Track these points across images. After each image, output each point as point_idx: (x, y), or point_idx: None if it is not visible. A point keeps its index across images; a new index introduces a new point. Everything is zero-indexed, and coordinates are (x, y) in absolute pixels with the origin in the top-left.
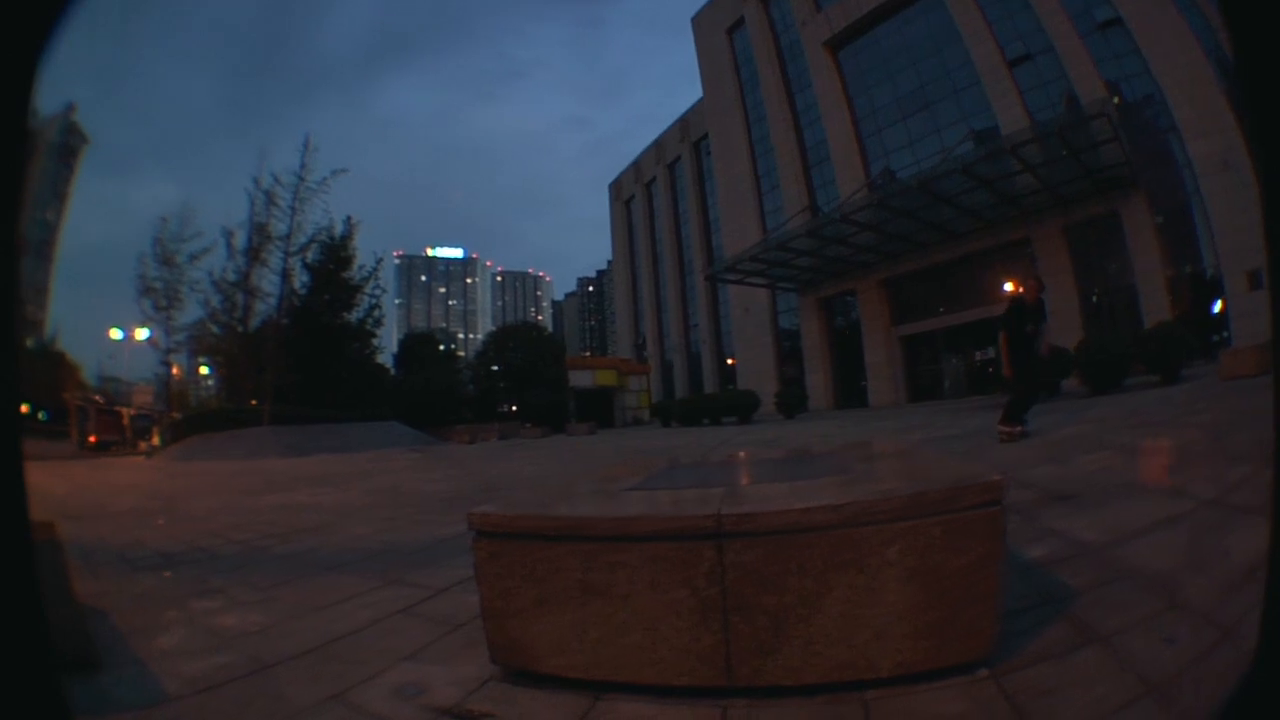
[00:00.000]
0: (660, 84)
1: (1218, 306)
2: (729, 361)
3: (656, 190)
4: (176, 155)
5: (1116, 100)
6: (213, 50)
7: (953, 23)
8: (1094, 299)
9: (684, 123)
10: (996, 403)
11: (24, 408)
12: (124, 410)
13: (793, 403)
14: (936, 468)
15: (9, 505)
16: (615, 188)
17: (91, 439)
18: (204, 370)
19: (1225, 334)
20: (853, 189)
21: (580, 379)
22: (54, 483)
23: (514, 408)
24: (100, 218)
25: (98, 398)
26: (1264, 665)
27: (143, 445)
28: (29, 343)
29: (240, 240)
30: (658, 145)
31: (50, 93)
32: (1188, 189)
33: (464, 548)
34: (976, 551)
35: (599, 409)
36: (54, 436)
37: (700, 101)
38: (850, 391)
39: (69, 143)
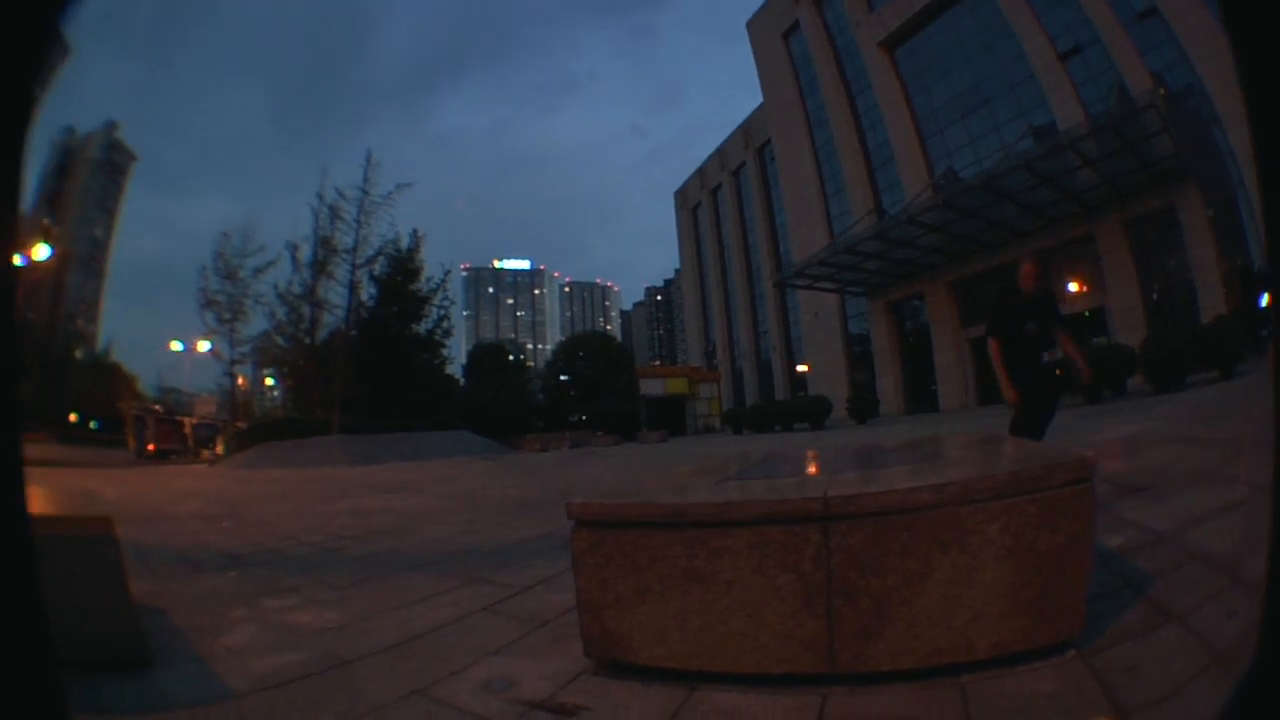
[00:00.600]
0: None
1: (1264, 300)
2: (799, 368)
3: (722, 197)
4: (232, 173)
5: (1162, 91)
6: (264, 72)
7: (1002, 17)
8: (1154, 296)
9: (746, 129)
10: (1067, 404)
11: (73, 416)
12: (186, 420)
13: (864, 408)
14: (1024, 450)
15: (9, 505)
16: (680, 196)
17: (150, 447)
18: (269, 381)
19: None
20: (917, 190)
21: (651, 387)
22: (110, 488)
23: (584, 417)
24: (156, 233)
25: (157, 407)
26: (1264, 665)
27: (205, 454)
28: (78, 354)
29: (305, 254)
30: (721, 152)
31: (91, 111)
32: (1234, 180)
33: (543, 550)
34: (1069, 530)
35: (670, 417)
36: (107, 445)
37: (761, 107)
38: (921, 395)
39: (115, 160)
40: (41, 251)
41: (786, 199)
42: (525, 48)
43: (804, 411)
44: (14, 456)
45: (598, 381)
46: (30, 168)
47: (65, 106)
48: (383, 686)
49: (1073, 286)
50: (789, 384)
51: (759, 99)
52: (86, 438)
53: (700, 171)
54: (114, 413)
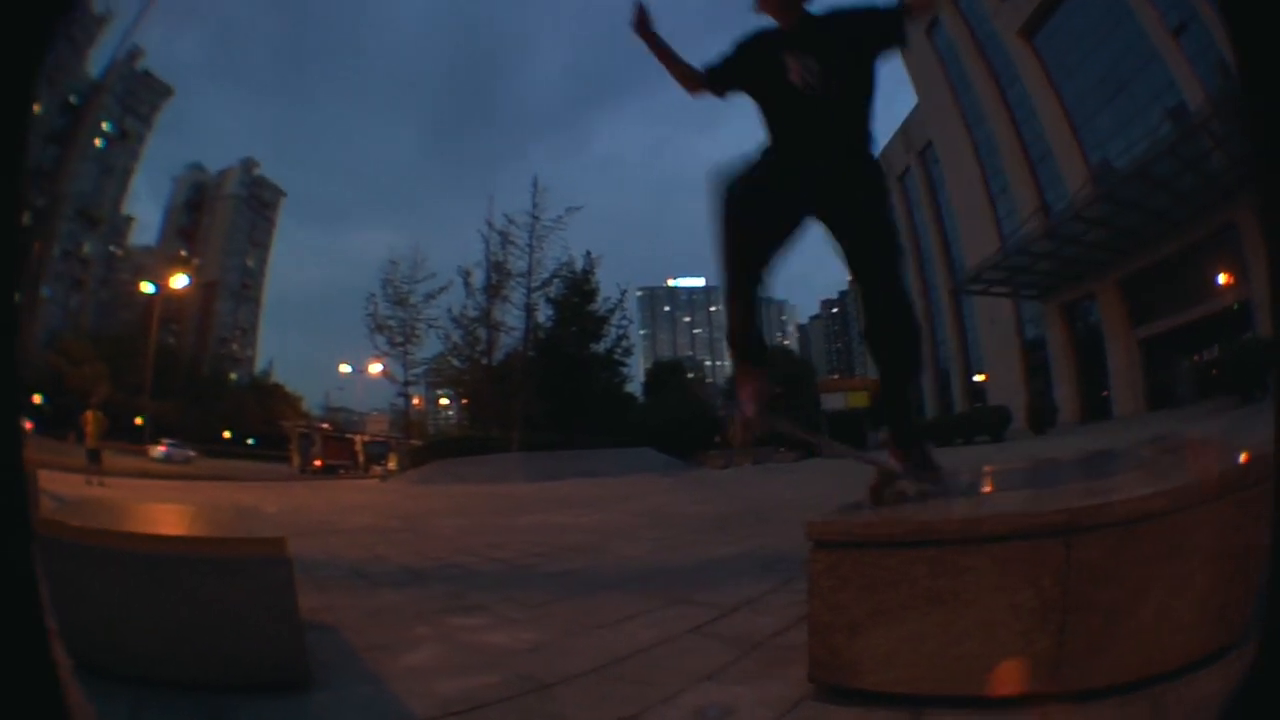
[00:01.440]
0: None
1: None
2: (976, 377)
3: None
4: (391, 204)
5: None
6: (413, 106)
7: None
8: None
9: (905, 131)
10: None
11: (226, 434)
12: (356, 437)
13: (1043, 417)
14: (1213, 449)
15: (9, 506)
16: None
17: (317, 463)
18: (443, 401)
19: None
20: (1077, 184)
21: (832, 401)
22: (274, 501)
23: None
24: (317, 262)
25: (325, 425)
26: (1264, 665)
27: (376, 469)
28: (233, 376)
29: (478, 278)
30: (884, 158)
31: (225, 149)
32: None
33: (744, 569)
34: (1253, 530)
35: (851, 431)
36: (265, 460)
37: (917, 107)
38: (1094, 402)
39: (261, 195)
40: (179, 281)
41: (954, 202)
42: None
43: (984, 422)
44: (14, 458)
45: (777, 397)
46: (152, 201)
47: (187, 145)
48: (587, 713)
49: (1221, 279)
50: (967, 395)
51: (913, 99)
52: (243, 453)
53: None
54: (274, 430)
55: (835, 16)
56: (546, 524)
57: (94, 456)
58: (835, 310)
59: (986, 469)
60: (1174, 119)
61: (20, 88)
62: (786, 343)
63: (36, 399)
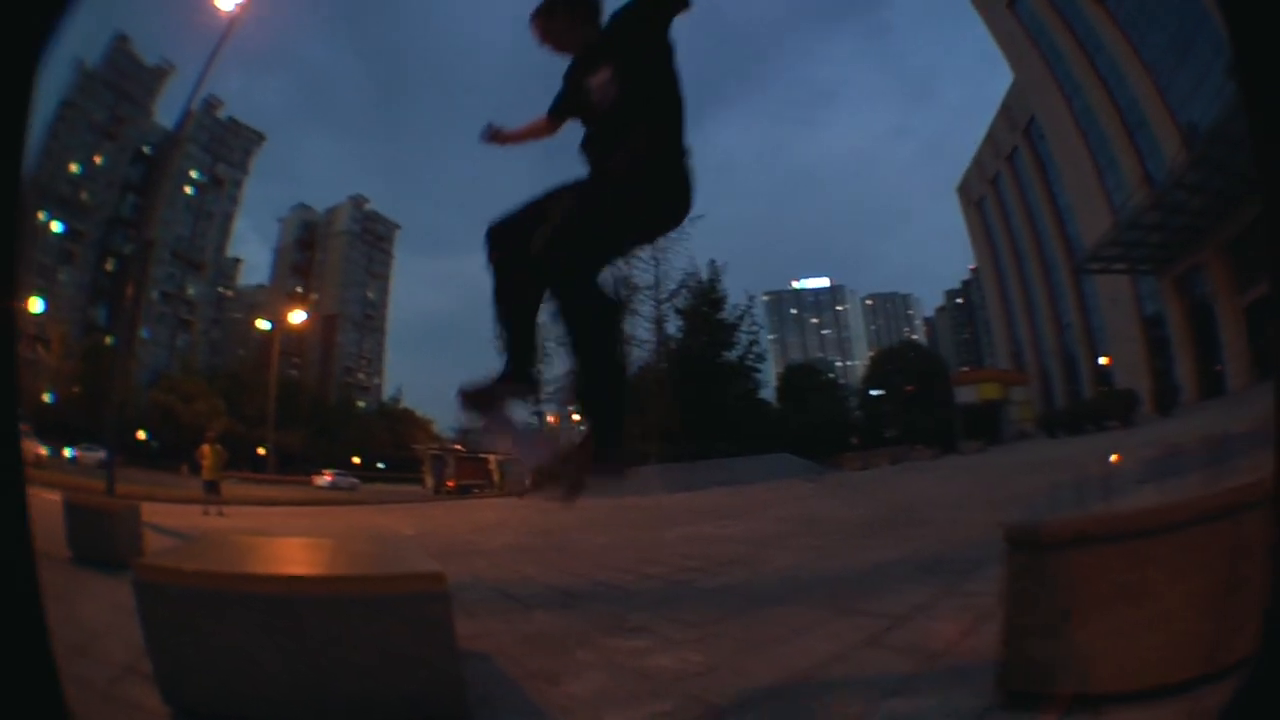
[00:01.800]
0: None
1: None
2: (1101, 360)
3: (1003, 186)
4: None
5: None
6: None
7: None
8: None
9: (1007, 109)
10: None
11: (356, 459)
12: (490, 456)
13: (1167, 399)
14: None
15: (10, 512)
16: (961, 191)
17: (449, 484)
18: (576, 417)
19: None
20: (1173, 150)
21: (964, 395)
22: (410, 523)
23: (899, 431)
24: (441, 289)
25: (458, 446)
26: (1264, 665)
27: (514, 486)
28: (360, 404)
29: None
30: (990, 138)
31: (331, 188)
32: None
33: (906, 575)
34: None
35: (985, 424)
36: (397, 483)
37: (1014, 83)
38: (1208, 378)
39: (374, 230)
40: (296, 316)
41: (1064, 178)
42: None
43: (1111, 407)
44: (14, 459)
45: (911, 393)
46: (260, 243)
47: (290, 187)
48: None
49: None
50: (1094, 379)
51: (1009, 76)
52: (374, 476)
53: (976, 162)
54: (406, 454)
55: (614, 19)
56: (695, 536)
57: (211, 488)
58: (959, 300)
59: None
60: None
61: (20, 88)
62: (915, 337)
63: (140, 435)
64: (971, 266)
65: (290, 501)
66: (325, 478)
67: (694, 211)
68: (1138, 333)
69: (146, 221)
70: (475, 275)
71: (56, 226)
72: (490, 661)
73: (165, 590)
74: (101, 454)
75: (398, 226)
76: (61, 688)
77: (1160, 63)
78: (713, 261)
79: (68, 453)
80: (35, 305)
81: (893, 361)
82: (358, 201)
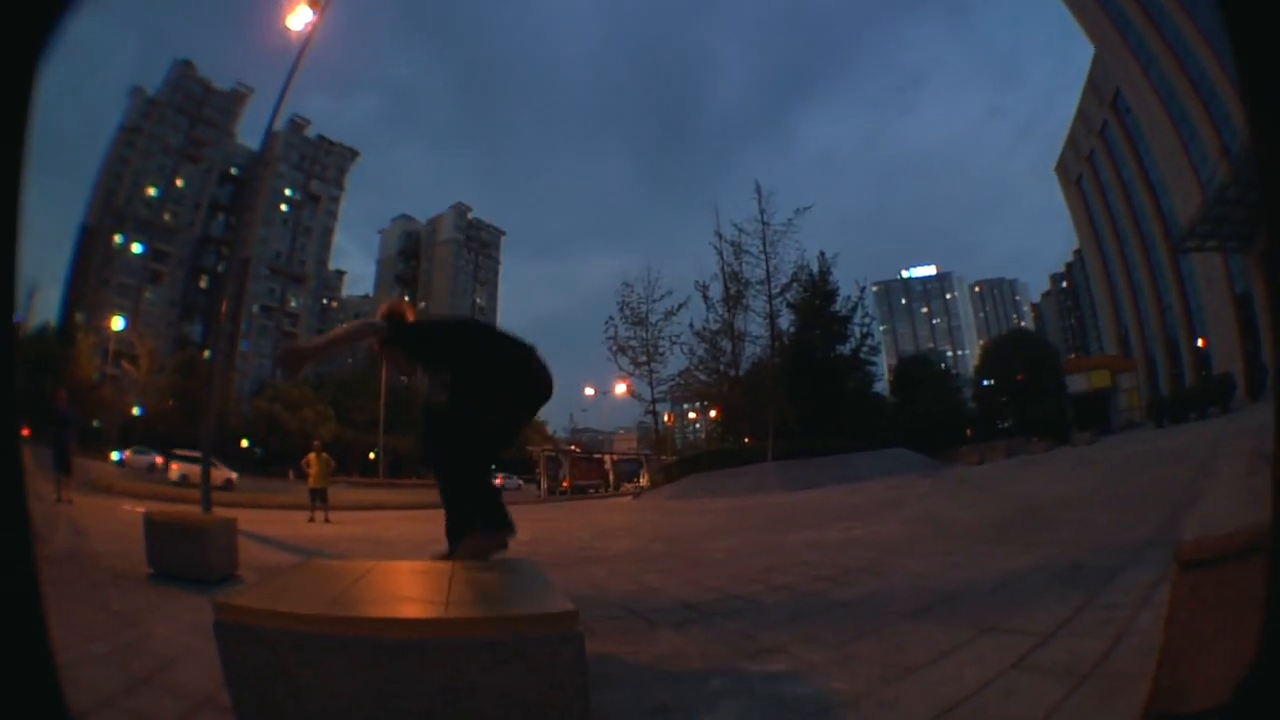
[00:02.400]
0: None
1: None
2: (1199, 343)
3: (1099, 162)
4: (612, 230)
5: None
6: (613, 135)
7: None
8: None
9: (1093, 82)
10: None
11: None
12: (606, 456)
13: (1257, 383)
14: None
15: (9, 508)
16: (1060, 170)
17: (565, 484)
18: (692, 415)
19: None
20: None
21: (1074, 383)
22: (524, 525)
23: (1012, 422)
24: (549, 292)
25: (573, 447)
26: (1264, 665)
27: (628, 487)
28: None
29: (715, 291)
30: (1081, 114)
31: (432, 199)
32: None
33: (1043, 585)
34: None
35: (1094, 413)
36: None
37: (1096, 55)
38: None
39: (479, 237)
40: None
41: (1154, 151)
42: (857, 49)
43: (1209, 393)
44: (14, 458)
45: (1023, 383)
46: (363, 255)
47: (391, 200)
48: None
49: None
50: (1195, 363)
51: (1089, 48)
52: None
53: (1070, 139)
54: (521, 455)
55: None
56: (820, 541)
57: (318, 496)
58: (1064, 284)
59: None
60: None
61: (20, 89)
62: (1023, 324)
63: (244, 443)
64: (1075, 249)
65: (401, 505)
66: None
67: (798, 204)
68: (1230, 313)
69: (240, 239)
70: (580, 275)
71: (136, 248)
72: (615, 690)
73: (250, 633)
74: (152, 457)
75: (502, 233)
76: (62, 691)
77: (1216, 31)
78: (822, 254)
79: (114, 456)
80: (116, 323)
81: (1003, 350)
82: (460, 210)
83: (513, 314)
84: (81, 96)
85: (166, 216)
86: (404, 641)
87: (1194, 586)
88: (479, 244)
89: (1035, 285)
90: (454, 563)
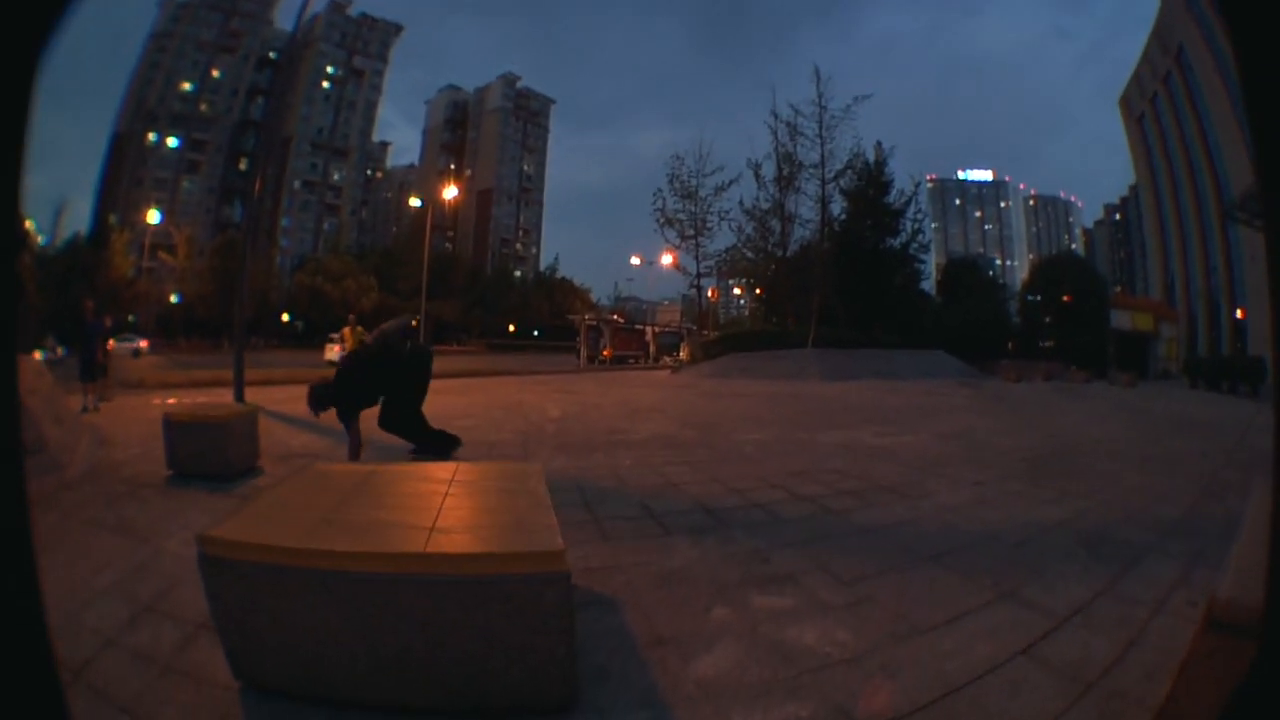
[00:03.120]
0: None
1: None
2: (1238, 313)
3: (1161, 108)
4: (667, 102)
5: None
6: (669, 9)
7: None
8: None
9: (1158, 30)
10: None
11: (511, 327)
12: (648, 327)
13: None
14: None
15: (9, 503)
16: (1123, 105)
17: (605, 353)
18: (737, 291)
19: None
20: None
21: (1119, 319)
22: (558, 401)
23: (1053, 343)
24: (599, 162)
25: (615, 315)
26: (1264, 665)
27: (667, 360)
28: (516, 273)
29: (767, 171)
30: (1146, 58)
31: (480, 70)
32: None
33: (1071, 549)
34: None
35: (1133, 356)
36: (552, 353)
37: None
38: None
39: (528, 105)
40: (449, 192)
41: (1212, 114)
42: None
43: (1239, 371)
44: (15, 458)
45: (1070, 308)
46: (409, 126)
47: (438, 71)
48: None
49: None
50: (1233, 333)
51: None
52: (533, 346)
53: (1135, 78)
54: (563, 323)
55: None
56: (852, 444)
57: None
58: (1119, 216)
59: None
60: None
61: (20, 89)
62: (1074, 247)
63: (285, 318)
64: (1131, 184)
65: (439, 374)
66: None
67: (858, 91)
68: (1268, 297)
69: (278, 119)
70: (629, 147)
71: (172, 142)
72: (618, 612)
73: (231, 566)
74: (137, 343)
75: (552, 101)
76: (62, 691)
77: None
78: (879, 143)
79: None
80: (153, 217)
81: (1054, 270)
82: (509, 80)
83: (559, 180)
84: (107, 15)
85: (203, 107)
86: (382, 575)
87: (1214, 651)
88: (528, 113)
89: (1090, 211)
90: (453, 469)
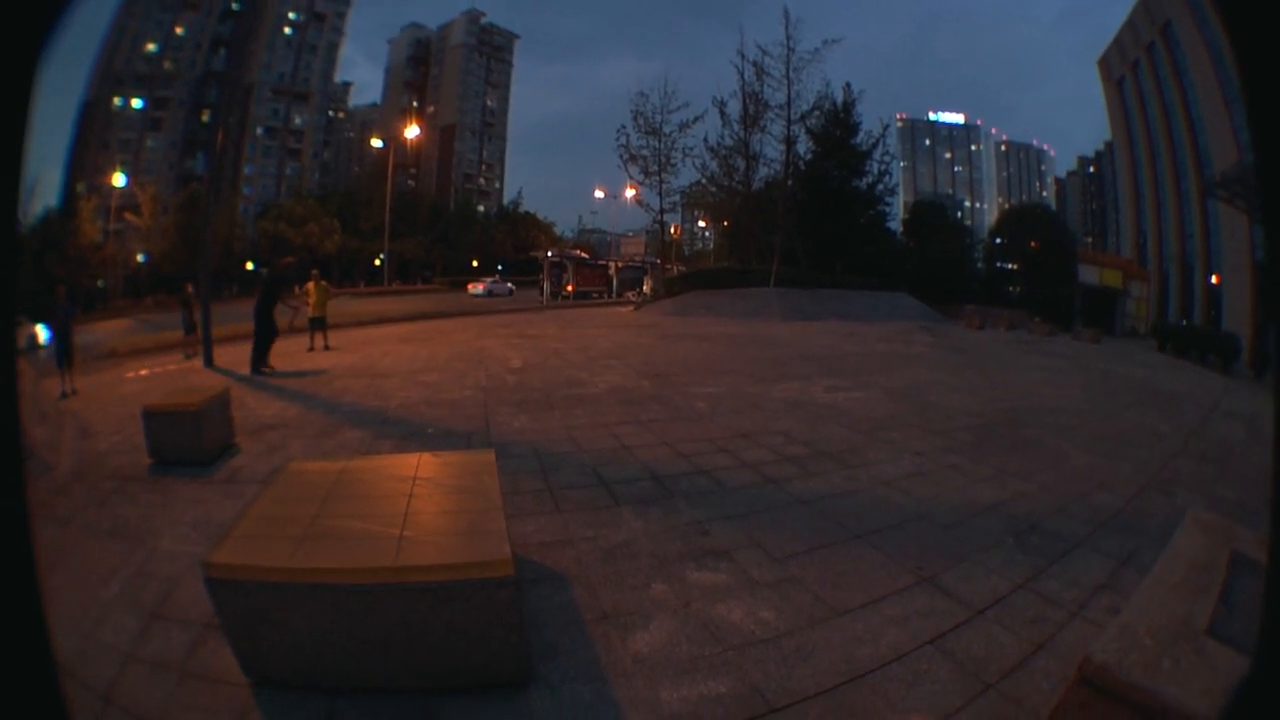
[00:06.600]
0: None
1: None
2: (1213, 279)
3: (1142, 75)
4: (634, 37)
5: None
6: None
7: None
8: None
9: (1144, 3)
10: None
11: (475, 261)
12: (612, 262)
13: (1260, 360)
14: None
15: (9, 505)
16: (1102, 66)
17: (569, 288)
18: (702, 224)
19: None
20: None
21: (1086, 274)
22: (520, 348)
23: (1017, 290)
24: (564, 94)
25: (579, 251)
26: (1264, 665)
27: (630, 295)
28: (480, 208)
29: (732, 109)
30: (1131, 24)
31: (445, 5)
32: None
33: (999, 536)
34: None
35: (1100, 312)
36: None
37: None
38: None
39: (491, 41)
40: (410, 131)
41: (1197, 90)
42: None
43: (1210, 345)
44: (15, 457)
45: (1036, 258)
46: (371, 65)
47: (398, 8)
48: None
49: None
50: (1206, 301)
51: None
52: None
53: (1117, 42)
54: (526, 258)
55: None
56: (801, 401)
57: (318, 324)
58: (1092, 169)
59: None
60: None
61: (20, 88)
62: (1045, 194)
63: (248, 266)
64: (1106, 140)
65: (403, 316)
66: (479, 287)
67: (832, 35)
68: (1248, 273)
69: (239, 67)
70: (594, 77)
71: (136, 103)
72: (567, 589)
73: (237, 585)
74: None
75: (516, 36)
76: (62, 691)
77: None
78: (847, 85)
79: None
80: (118, 180)
81: (1022, 218)
82: (473, 16)
83: (523, 115)
84: None
85: (166, 64)
86: (363, 586)
87: (1084, 705)
88: (491, 48)
89: (1063, 163)
90: (416, 464)
